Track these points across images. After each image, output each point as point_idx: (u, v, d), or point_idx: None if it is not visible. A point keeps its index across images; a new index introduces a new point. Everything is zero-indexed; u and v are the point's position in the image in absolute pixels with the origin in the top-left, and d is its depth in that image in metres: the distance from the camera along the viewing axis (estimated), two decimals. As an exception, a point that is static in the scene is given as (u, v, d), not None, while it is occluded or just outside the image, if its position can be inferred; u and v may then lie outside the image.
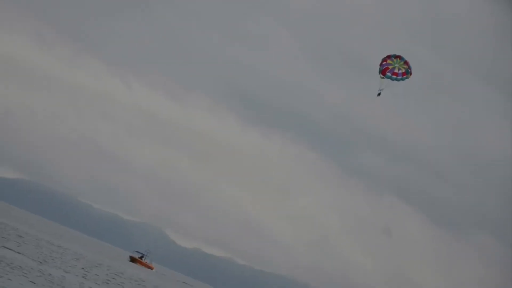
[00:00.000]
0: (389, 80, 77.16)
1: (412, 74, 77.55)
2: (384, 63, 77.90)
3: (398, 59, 77.52)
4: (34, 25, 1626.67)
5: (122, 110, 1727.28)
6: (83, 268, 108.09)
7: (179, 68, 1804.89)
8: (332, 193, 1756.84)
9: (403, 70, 77.20)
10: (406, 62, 77.36)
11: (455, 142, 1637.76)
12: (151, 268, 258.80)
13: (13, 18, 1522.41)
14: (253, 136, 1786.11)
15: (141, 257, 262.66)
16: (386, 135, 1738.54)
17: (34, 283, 65.38)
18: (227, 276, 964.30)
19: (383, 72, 77.52)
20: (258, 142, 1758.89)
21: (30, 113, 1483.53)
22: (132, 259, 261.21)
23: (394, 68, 77.36)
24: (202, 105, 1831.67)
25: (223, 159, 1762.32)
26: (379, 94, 77.71)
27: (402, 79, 77.34)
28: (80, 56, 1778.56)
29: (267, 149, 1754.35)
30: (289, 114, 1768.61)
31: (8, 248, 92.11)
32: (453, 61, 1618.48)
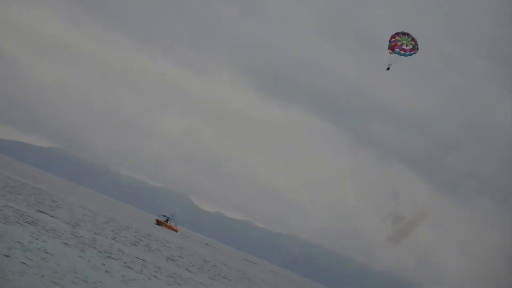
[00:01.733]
0: (397, 55, 77.09)
1: (419, 50, 77.36)
2: (393, 39, 77.72)
3: (406, 36, 77.32)
4: (66, 5, 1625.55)
5: (148, 83, 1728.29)
6: (112, 231, 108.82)
7: (202, 44, 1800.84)
8: (344, 161, 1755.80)
9: (411, 46, 77.05)
10: (413, 39, 77.18)
11: (458, 112, 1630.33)
12: (176, 230, 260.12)
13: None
14: (271, 108, 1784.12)
15: (166, 221, 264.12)
16: (394, 106, 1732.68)
17: (67, 244, 65.91)
18: (246, 238, 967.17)
19: (392, 48, 77.41)
20: (276, 113, 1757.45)
21: (62, 87, 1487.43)
22: (158, 222, 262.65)
23: (402, 44, 77.18)
24: (224, 79, 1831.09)
25: (243, 129, 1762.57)
26: (388, 69, 77.66)
27: (410, 55, 77.22)
28: (109, 34, 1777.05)
29: (285, 120, 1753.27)
30: (305, 88, 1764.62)
31: (43, 212, 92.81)
32: (457, 37, 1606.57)
